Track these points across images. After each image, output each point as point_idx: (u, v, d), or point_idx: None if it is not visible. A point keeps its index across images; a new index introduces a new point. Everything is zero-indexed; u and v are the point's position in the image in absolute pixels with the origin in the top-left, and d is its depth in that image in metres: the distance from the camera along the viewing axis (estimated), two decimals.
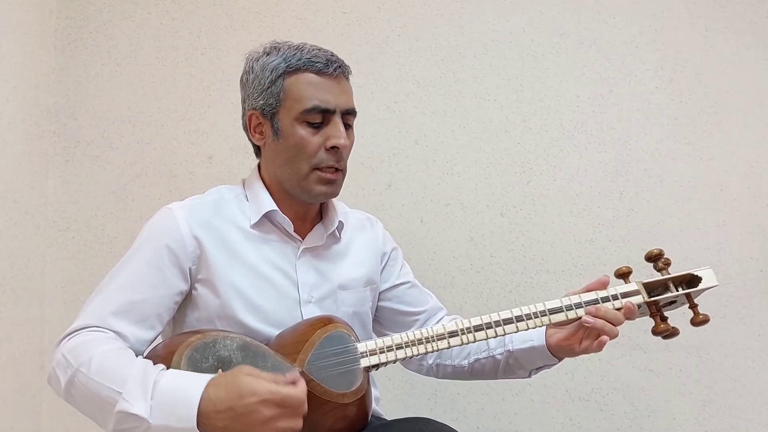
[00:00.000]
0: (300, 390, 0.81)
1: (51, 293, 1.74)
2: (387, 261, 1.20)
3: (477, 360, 1.14)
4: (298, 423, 0.82)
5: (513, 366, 1.10)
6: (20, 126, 1.66)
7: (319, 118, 1.01)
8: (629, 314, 0.98)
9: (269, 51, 1.05)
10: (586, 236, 1.61)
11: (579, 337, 0.99)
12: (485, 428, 1.59)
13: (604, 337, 0.96)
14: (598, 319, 0.96)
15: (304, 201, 1.06)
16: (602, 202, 1.61)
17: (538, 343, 1.05)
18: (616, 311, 0.97)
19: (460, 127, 1.68)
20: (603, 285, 1.01)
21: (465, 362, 1.15)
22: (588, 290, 1.01)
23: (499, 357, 1.11)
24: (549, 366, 1.09)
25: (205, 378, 0.82)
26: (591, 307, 0.97)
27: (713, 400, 1.52)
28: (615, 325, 0.96)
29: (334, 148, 1.01)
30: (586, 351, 0.98)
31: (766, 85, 1.60)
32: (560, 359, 1.06)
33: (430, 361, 1.20)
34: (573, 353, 1.01)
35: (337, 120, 1.02)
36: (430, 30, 1.72)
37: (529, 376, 1.12)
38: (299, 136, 1.01)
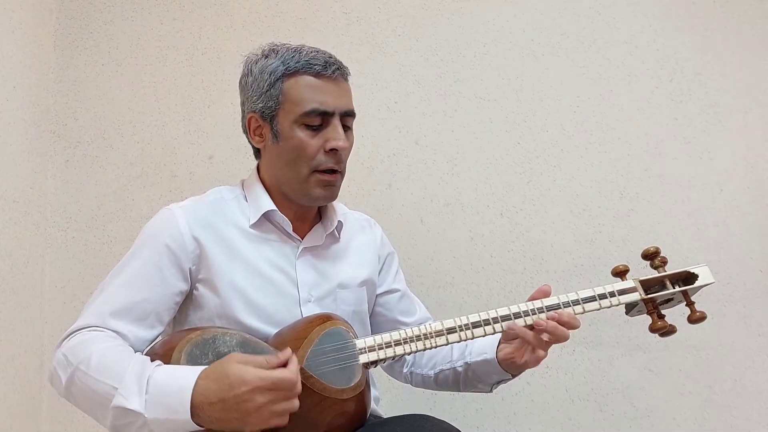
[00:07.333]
0: (291, 371, 0.82)
1: (51, 293, 1.74)
2: (383, 265, 1.20)
3: (441, 371, 1.14)
4: (294, 404, 0.82)
5: (472, 379, 1.10)
6: (20, 126, 1.66)
7: (318, 120, 1.01)
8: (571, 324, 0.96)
9: (267, 53, 1.05)
10: (586, 236, 1.61)
11: (522, 351, 0.99)
12: (485, 428, 1.58)
13: (540, 352, 0.96)
14: (550, 321, 0.95)
15: (303, 203, 1.06)
16: (602, 202, 1.61)
17: (490, 356, 1.05)
18: (574, 315, 0.96)
19: (460, 127, 1.68)
20: (545, 294, 1.00)
21: (431, 372, 1.15)
22: (532, 299, 1.00)
23: (459, 369, 1.11)
24: (505, 381, 1.08)
25: (197, 370, 0.83)
26: (553, 313, 0.96)
27: (713, 400, 1.52)
28: (568, 329, 0.95)
29: (333, 150, 1.01)
30: (526, 365, 0.98)
31: (766, 85, 1.60)
32: (514, 375, 1.05)
33: (405, 370, 1.20)
34: (516, 367, 1.01)
35: (336, 122, 1.02)
36: (430, 30, 1.72)
37: (491, 390, 1.12)
38: (298, 138, 1.01)
